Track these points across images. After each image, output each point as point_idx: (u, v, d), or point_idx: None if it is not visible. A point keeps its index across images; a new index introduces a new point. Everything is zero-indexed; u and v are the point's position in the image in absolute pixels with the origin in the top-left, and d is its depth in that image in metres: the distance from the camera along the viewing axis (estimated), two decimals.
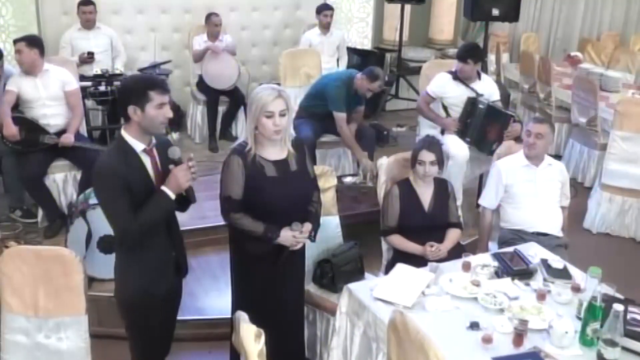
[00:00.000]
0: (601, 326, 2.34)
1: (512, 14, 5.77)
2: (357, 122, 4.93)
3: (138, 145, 2.42)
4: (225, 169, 2.69)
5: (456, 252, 3.23)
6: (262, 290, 2.78)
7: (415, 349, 2.03)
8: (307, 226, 2.74)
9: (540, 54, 7.63)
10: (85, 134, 4.76)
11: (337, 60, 6.50)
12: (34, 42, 4.25)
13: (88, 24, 5.56)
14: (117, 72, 5.08)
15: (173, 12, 6.42)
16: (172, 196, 2.40)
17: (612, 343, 2.27)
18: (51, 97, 4.31)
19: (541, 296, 2.69)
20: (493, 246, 3.64)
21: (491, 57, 7.54)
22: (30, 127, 4.22)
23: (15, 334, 2.57)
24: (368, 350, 2.68)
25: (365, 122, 5.47)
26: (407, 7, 7.02)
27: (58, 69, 4.41)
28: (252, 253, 2.74)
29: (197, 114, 6.08)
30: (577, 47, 8.42)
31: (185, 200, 2.56)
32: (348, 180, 4.44)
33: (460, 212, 3.62)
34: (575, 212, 4.46)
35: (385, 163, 3.57)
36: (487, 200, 3.72)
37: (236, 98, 5.95)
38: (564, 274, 2.86)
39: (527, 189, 3.60)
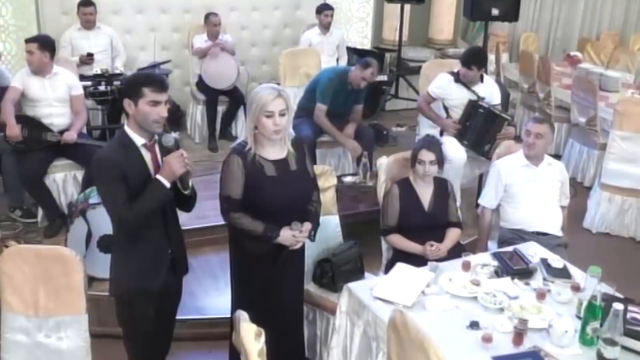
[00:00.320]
0: (601, 325, 2.35)
1: (511, 13, 5.76)
2: (356, 122, 4.92)
3: (139, 140, 2.46)
4: (225, 168, 2.69)
5: (456, 251, 3.23)
6: (262, 290, 2.78)
7: (415, 348, 2.03)
8: (307, 225, 2.74)
9: (539, 53, 7.62)
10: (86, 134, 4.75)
11: (337, 60, 6.50)
12: (46, 44, 4.23)
13: (88, 24, 5.55)
14: (117, 71, 5.08)
15: (173, 12, 6.41)
16: (167, 184, 2.41)
17: (611, 342, 2.27)
18: (58, 99, 4.32)
19: (541, 295, 2.69)
20: (493, 245, 3.64)
21: (491, 57, 7.52)
22: (33, 125, 4.22)
23: (16, 333, 2.58)
24: (368, 350, 2.68)
25: (365, 122, 5.47)
26: (407, 6, 7.01)
27: (66, 72, 4.42)
28: (251, 252, 2.74)
29: (196, 114, 6.08)
30: (577, 47, 8.42)
31: (186, 198, 2.56)
32: (348, 179, 4.43)
33: (459, 213, 3.62)
34: (575, 212, 4.46)
35: (385, 163, 3.57)
36: (487, 199, 3.72)
37: (236, 98, 5.95)
38: (563, 274, 2.86)
39: (526, 188, 3.60)
